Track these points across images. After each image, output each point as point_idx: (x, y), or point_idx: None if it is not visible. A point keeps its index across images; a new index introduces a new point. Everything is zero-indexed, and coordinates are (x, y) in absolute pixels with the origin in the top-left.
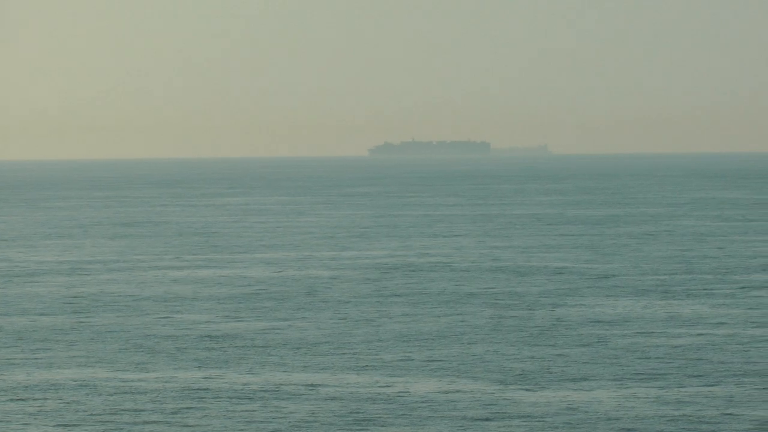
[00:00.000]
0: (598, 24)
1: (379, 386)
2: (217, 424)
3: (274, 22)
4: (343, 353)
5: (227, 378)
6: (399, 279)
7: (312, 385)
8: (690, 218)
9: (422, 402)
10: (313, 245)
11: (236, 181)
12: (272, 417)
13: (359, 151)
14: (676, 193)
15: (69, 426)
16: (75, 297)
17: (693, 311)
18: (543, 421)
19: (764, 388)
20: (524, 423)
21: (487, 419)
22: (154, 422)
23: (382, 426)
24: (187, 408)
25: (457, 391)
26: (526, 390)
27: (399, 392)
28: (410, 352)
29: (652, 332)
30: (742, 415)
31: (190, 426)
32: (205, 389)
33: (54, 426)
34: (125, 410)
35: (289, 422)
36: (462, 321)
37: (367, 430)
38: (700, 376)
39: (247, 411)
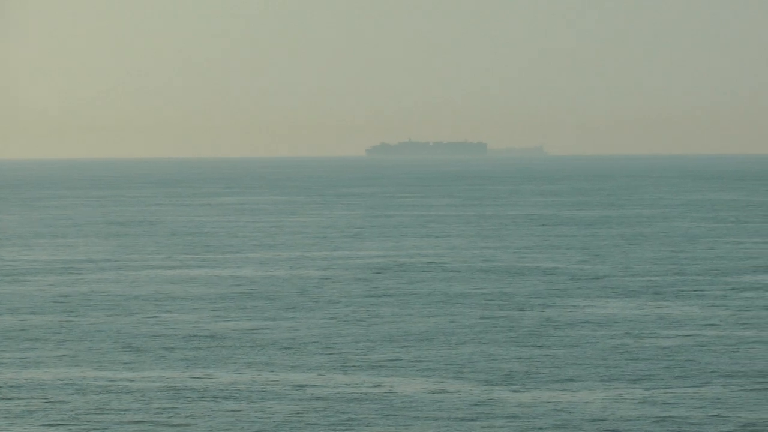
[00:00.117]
0: (598, 24)
1: (367, 386)
2: (202, 423)
3: (274, 22)
4: (331, 353)
5: (214, 378)
6: (390, 279)
7: (299, 385)
8: (683, 220)
9: (409, 402)
10: (306, 245)
11: (234, 181)
12: (258, 417)
13: (357, 152)
14: (670, 194)
15: (54, 426)
16: (65, 296)
17: (682, 312)
18: (529, 421)
19: (751, 390)
20: (510, 423)
21: (473, 420)
22: (141, 422)
23: (369, 426)
24: (173, 408)
25: (444, 392)
26: (513, 391)
27: (386, 392)
28: (398, 352)
29: (641, 333)
30: (728, 416)
31: (177, 425)
32: (191, 389)
33: (39, 426)
34: (111, 410)
35: (275, 422)
36: (452, 321)
37: (354, 430)
38: (687, 377)
39: (232, 411)
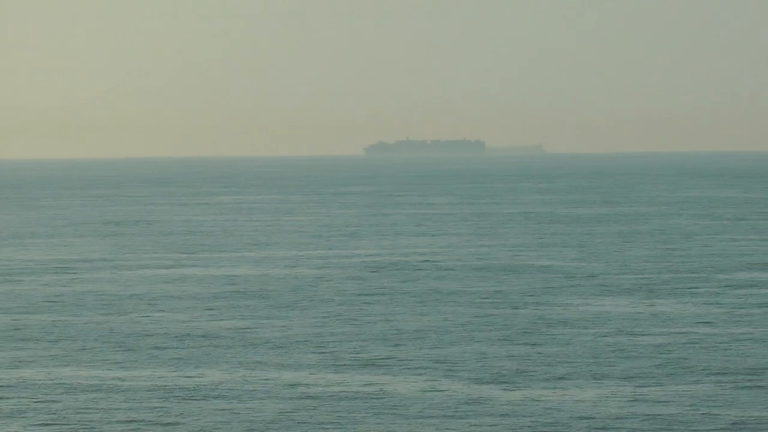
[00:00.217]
0: (598, 24)
1: (358, 385)
2: (193, 422)
3: (274, 22)
4: (323, 352)
5: (205, 377)
6: (385, 278)
7: (290, 384)
8: (679, 217)
9: (400, 401)
10: (302, 244)
11: (232, 180)
12: (249, 416)
13: (355, 151)
14: (668, 192)
15: (43, 425)
16: (59, 296)
17: (675, 310)
18: (520, 419)
19: (743, 388)
20: (501, 422)
21: (464, 418)
22: (131, 421)
23: (360, 424)
24: (163, 407)
25: (435, 390)
26: (504, 389)
27: (377, 391)
28: (390, 350)
29: (633, 331)
30: (719, 414)
31: (167, 424)
32: (182, 388)
33: (28, 425)
34: (101, 409)
35: (266, 421)
36: (445, 320)
37: (345, 428)
38: (679, 375)
39: (223, 409)
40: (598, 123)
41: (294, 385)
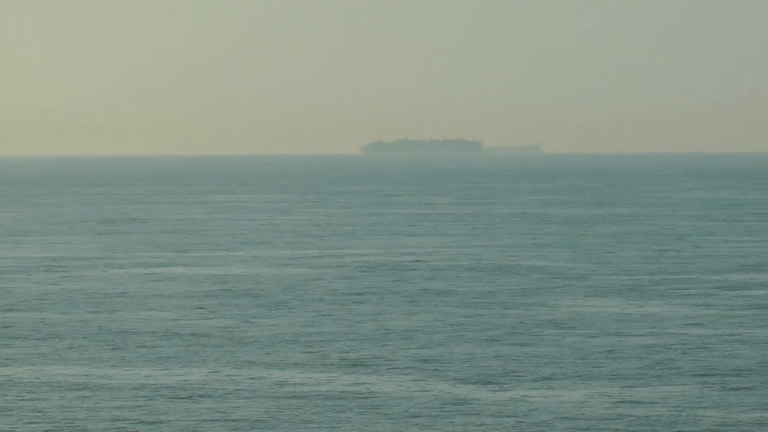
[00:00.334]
0: (598, 24)
1: (345, 384)
2: (180, 421)
3: (274, 22)
4: (312, 351)
5: (193, 375)
6: (377, 277)
7: (278, 383)
8: (674, 218)
9: (387, 400)
10: (296, 243)
11: (230, 179)
12: (236, 414)
13: (353, 150)
14: (664, 192)
15: (29, 423)
16: (49, 293)
17: (665, 311)
18: (506, 420)
19: (729, 389)
20: (487, 421)
21: (451, 418)
22: (117, 419)
23: (348, 423)
24: (150, 405)
25: (422, 390)
26: (492, 389)
27: (365, 390)
28: (379, 350)
29: (622, 332)
30: (704, 416)
31: (153, 423)
32: (169, 386)
33: (13, 424)
34: (87, 408)
35: (253, 420)
36: (434, 319)
37: (333, 427)
38: (665, 376)
39: (210, 408)
40: (598, 123)
41: (281, 384)
